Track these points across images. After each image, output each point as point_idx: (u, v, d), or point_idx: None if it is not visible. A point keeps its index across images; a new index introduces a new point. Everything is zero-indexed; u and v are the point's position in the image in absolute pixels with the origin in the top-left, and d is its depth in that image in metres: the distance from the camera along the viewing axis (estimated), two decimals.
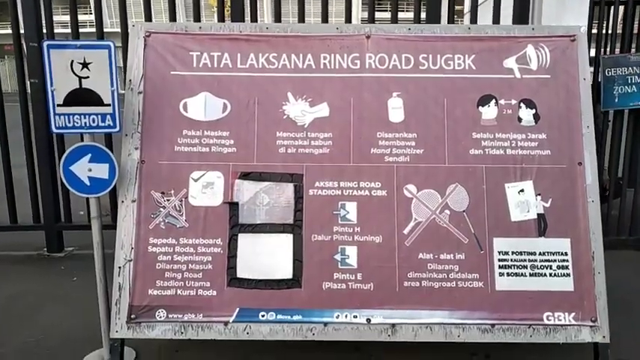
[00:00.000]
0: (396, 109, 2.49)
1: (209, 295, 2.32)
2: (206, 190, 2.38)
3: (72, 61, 2.22)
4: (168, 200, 2.36)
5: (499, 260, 2.38)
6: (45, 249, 4.15)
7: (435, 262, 2.36)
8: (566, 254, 2.38)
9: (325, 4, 3.61)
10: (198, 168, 2.40)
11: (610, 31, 4.06)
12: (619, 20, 4.02)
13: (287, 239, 2.36)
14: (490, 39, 2.55)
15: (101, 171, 2.31)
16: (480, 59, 2.53)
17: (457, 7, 3.73)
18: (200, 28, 2.53)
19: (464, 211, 2.41)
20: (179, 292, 2.32)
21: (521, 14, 3.52)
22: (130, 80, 2.45)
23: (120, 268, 2.32)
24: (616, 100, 3.89)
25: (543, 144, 2.47)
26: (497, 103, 2.50)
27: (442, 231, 2.39)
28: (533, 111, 2.50)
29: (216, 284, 2.32)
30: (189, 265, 2.33)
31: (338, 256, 2.35)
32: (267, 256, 2.35)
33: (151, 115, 2.43)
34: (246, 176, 2.40)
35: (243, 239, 2.35)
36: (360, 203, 2.39)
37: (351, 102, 2.48)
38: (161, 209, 2.36)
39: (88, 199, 2.66)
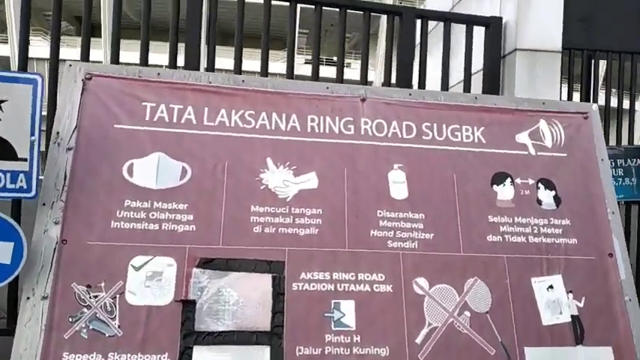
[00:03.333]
0: (398, 184, 2.04)
1: None
2: (151, 282, 1.72)
3: None
4: (96, 297, 1.66)
5: None
6: None
7: None
8: None
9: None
10: (141, 252, 1.76)
11: None
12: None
13: (263, 354, 1.71)
14: (499, 111, 2.24)
15: (1, 252, 1.62)
16: (490, 132, 2.19)
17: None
18: (159, 74, 2.02)
19: (487, 312, 1.91)
20: None
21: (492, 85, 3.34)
22: (58, 133, 1.84)
23: None
24: None
25: (568, 231, 2.10)
26: (512, 182, 2.13)
27: (463, 339, 1.86)
28: (553, 193, 2.15)
29: None
30: None
31: None
32: None
33: (81, 179, 1.81)
34: (207, 264, 1.78)
35: (199, 354, 1.68)
36: (358, 302, 1.83)
37: (344, 172, 2.01)
38: (85, 310, 1.65)
39: None
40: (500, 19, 3.39)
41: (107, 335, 1.63)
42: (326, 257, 1.86)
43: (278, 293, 1.78)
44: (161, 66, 2.78)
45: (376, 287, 1.86)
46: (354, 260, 1.88)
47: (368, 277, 1.86)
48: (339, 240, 1.89)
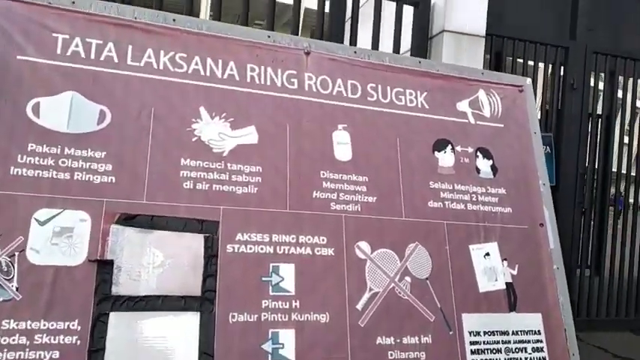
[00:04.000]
0: (342, 145, 1.93)
1: None
2: (59, 239, 1.46)
3: None
4: None
5: (471, 343, 1.85)
6: None
7: (398, 349, 1.74)
8: (539, 333, 1.97)
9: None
10: (48, 204, 1.49)
11: None
12: None
13: (191, 321, 1.52)
14: (442, 77, 2.20)
15: None
16: (433, 98, 2.15)
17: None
18: (74, 2, 1.72)
19: (427, 278, 1.87)
20: None
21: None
22: None
23: None
24: None
25: (503, 200, 2.12)
26: (453, 149, 2.11)
27: (404, 305, 1.80)
28: (491, 162, 2.16)
29: None
30: None
31: (268, 346, 1.58)
32: (157, 351, 1.47)
33: None
34: (129, 220, 1.55)
35: (118, 321, 1.45)
36: (299, 266, 1.70)
37: (287, 129, 1.86)
38: None
39: None
40: (429, 0, 3.40)
41: (1, 299, 1.36)
42: (265, 218, 1.70)
43: (210, 255, 1.59)
44: None
45: (317, 250, 1.74)
46: (295, 222, 1.74)
47: (309, 239, 1.74)
48: (279, 200, 1.75)
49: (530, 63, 3.86)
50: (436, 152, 2.08)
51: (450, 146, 2.11)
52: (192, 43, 1.83)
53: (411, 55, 3.43)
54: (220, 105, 1.79)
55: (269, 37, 1.97)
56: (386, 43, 3.43)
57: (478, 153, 2.15)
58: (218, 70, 1.83)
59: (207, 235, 1.61)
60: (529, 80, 2.39)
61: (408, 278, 1.84)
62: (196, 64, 1.81)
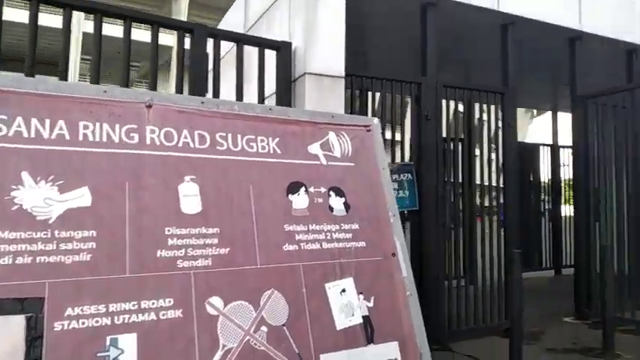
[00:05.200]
0: (189, 197, 1.89)
1: None
2: None
3: None
4: None
5: None
6: None
7: None
8: None
9: None
10: None
11: None
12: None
13: None
14: (293, 122, 2.27)
15: None
16: (285, 143, 2.21)
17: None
18: None
19: (284, 324, 1.88)
20: None
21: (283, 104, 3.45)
22: None
23: None
24: None
25: (357, 235, 2.21)
26: (307, 190, 2.17)
27: (259, 357, 1.78)
28: (343, 199, 2.25)
29: None
30: None
31: None
32: None
33: None
34: None
35: None
36: (141, 334, 1.60)
37: (125, 187, 1.77)
38: None
39: None
40: (290, 43, 3.53)
41: None
42: (100, 286, 1.59)
43: (34, 338, 1.45)
44: None
45: (163, 314, 1.66)
46: (136, 287, 1.65)
47: (153, 304, 1.65)
48: (117, 265, 1.65)
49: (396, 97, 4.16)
50: (290, 195, 2.12)
51: (303, 188, 2.16)
52: (12, 102, 1.68)
53: (276, 98, 3.52)
54: (46, 167, 1.66)
55: (105, 92, 1.89)
56: (252, 90, 3.49)
57: (331, 192, 2.23)
58: (45, 130, 1.71)
59: (29, 315, 1.46)
60: (377, 120, 2.55)
61: (264, 328, 1.83)
62: (18, 126, 1.67)
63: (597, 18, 4.98)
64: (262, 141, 2.15)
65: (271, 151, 2.15)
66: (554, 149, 7.98)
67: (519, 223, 6.74)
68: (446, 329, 4.10)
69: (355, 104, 3.87)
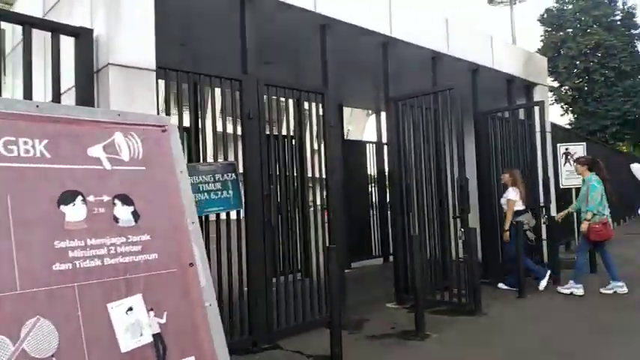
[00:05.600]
0: None
1: None
2: None
3: None
4: None
5: None
6: None
7: None
8: None
9: None
10: None
11: None
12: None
13: None
14: (68, 121, 2.00)
15: None
16: (57, 145, 1.93)
17: None
18: None
19: (52, 355, 1.63)
20: None
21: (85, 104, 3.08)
22: None
23: None
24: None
25: (148, 247, 2.04)
26: (84, 200, 1.92)
27: None
28: (132, 208, 2.05)
29: None
30: None
31: None
32: None
33: None
34: None
35: None
36: None
37: None
38: None
39: None
40: (91, 30, 3.17)
41: None
42: None
43: None
44: None
45: None
46: None
47: None
48: None
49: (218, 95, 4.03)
50: (62, 206, 1.86)
51: (79, 197, 1.91)
52: None
53: (76, 92, 3.11)
54: None
55: None
56: (49, 82, 3.03)
57: (116, 200, 2.02)
58: None
59: None
60: (174, 119, 2.39)
61: None
62: None
63: (406, 26, 5.47)
64: (26, 143, 1.85)
65: (38, 155, 1.87)
66: (379, 146, 8.67)
67: (350, 215, 7.26)
68: (274, 327, 4.12)
69: (183, 101, 3.63)
